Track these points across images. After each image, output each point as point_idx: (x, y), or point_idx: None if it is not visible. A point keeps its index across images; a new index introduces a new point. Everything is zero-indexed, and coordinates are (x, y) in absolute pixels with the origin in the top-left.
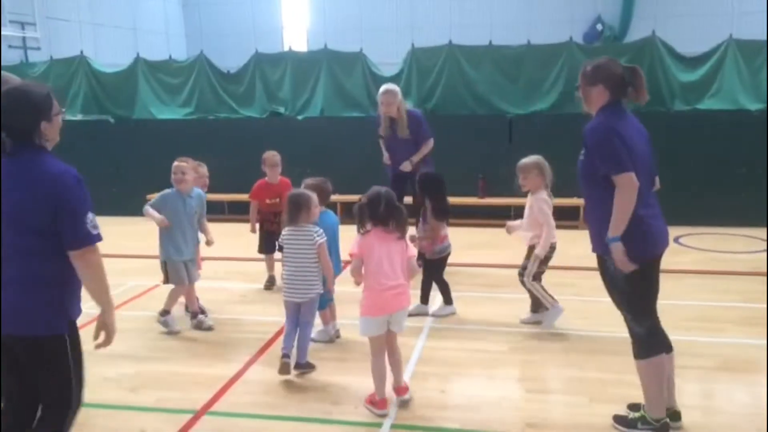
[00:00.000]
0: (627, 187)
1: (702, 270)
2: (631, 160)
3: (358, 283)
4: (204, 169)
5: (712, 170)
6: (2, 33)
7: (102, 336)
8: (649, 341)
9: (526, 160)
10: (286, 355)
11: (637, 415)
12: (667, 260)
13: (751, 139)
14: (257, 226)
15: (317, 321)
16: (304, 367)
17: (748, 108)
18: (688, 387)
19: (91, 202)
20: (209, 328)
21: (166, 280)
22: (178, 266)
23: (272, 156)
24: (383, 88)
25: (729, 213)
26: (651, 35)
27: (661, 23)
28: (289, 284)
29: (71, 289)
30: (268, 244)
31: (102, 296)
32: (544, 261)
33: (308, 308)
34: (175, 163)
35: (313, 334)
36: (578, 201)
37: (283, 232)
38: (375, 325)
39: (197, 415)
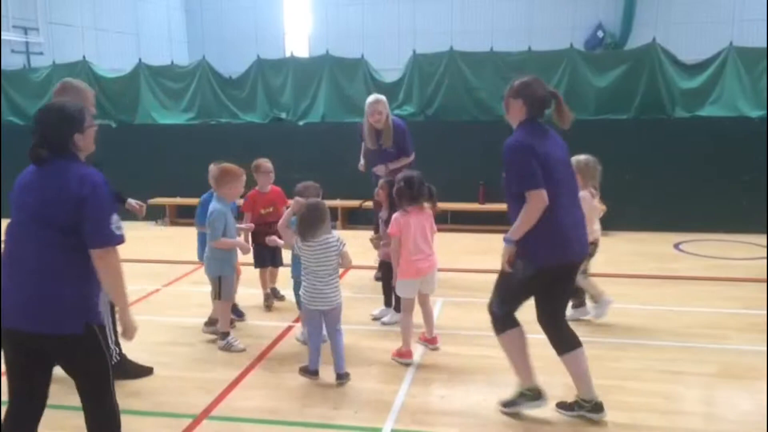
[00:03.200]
0: (536, 203)
1: (703, 276)
2: (548, 175)
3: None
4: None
5: (712, 177)
6: (6, 38)
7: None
8: (503, 319)
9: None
10: (316, 372)
11: (516, 392)
12: (668, 266)
13: (752, 146)
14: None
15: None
16: (345, 377)
17: (749, 115)
18: (689, 393)
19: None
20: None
21: (219, 296)
22: (231, 280)
23: (265, 163)
24: (372, 98)
25: (730, 219)
26: (652, 42)
27: (661, 30)
28: (316, 294)
29: (96, 289)
30: (261, 258)
31: (119, 296)
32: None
33: (337, 314)
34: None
35: (299, 336)
36: None
37: (300, 245)
38: (410, 286)
39: (197, 420)
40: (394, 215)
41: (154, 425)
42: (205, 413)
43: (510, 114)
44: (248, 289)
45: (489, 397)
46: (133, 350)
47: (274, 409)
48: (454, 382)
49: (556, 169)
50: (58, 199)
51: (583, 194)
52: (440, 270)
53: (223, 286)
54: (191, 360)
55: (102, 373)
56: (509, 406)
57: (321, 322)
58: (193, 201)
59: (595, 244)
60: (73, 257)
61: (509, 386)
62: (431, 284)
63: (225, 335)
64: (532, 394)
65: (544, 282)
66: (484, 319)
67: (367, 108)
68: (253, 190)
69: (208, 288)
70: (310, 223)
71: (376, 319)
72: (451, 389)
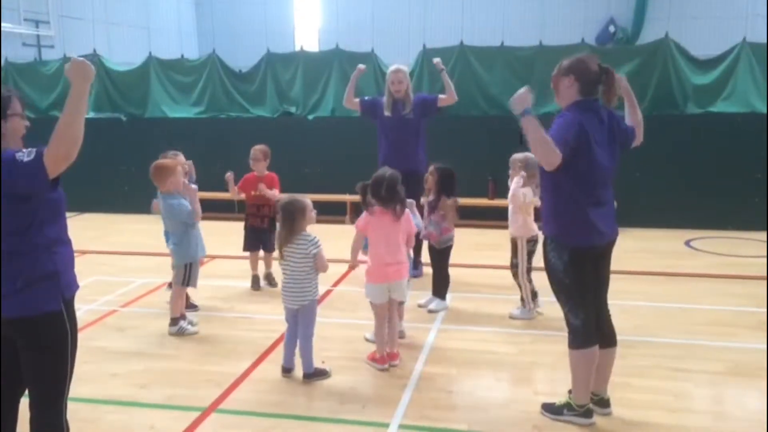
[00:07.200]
0: (550, 153)
1: (714, 274)
2: (588, 157)
3: (352, 266)
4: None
5: (724, 173)
6: (17, 31)
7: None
8: (584, 333)
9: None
10: (286, 369)
11: (563, 401)
12: (679, 263)
13: (764, 142)
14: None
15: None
16: (313, 376)
17: (762, 111)
18: (698, 391)
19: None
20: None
21: (187, 282)
22: (197, 266)
23: (263, 149)
24: (394, 66)
25: (742, 217)
26: (664, 37)
27: (674, 25)
28: (285, 290)
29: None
30: (251, 242)
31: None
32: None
33: (304, 315)
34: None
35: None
36: None
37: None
38: (377, 291)
39: (205, 413)
40: (364, 212)
41: (163, 418)
42: (214, 406)
43: (560, 95)
44: (261, 283)
45: (497, 393)
46: (142, 343)
47: (282, 403)
48: (461, 377)
49: (593, 154)
50: None
51: (525, 190)
52: (449, 265)
53: (191, 271)
54: (200, 353)
55: (60, 366)
56: (552, 413)
57: (295, 320)
58: (202, 194)
59: (535, 240)
60: (17, 237)
61: (517, 382)
62: (401, 291)
63: (176, 320)
64: (582, 411)
65: (585, 265)
66: (492, 314)
67: (388, 76)
68: (251, 173)
69: (217, 281)
70: (291, 217)
71: (422, 307)
72: (458, 385)
